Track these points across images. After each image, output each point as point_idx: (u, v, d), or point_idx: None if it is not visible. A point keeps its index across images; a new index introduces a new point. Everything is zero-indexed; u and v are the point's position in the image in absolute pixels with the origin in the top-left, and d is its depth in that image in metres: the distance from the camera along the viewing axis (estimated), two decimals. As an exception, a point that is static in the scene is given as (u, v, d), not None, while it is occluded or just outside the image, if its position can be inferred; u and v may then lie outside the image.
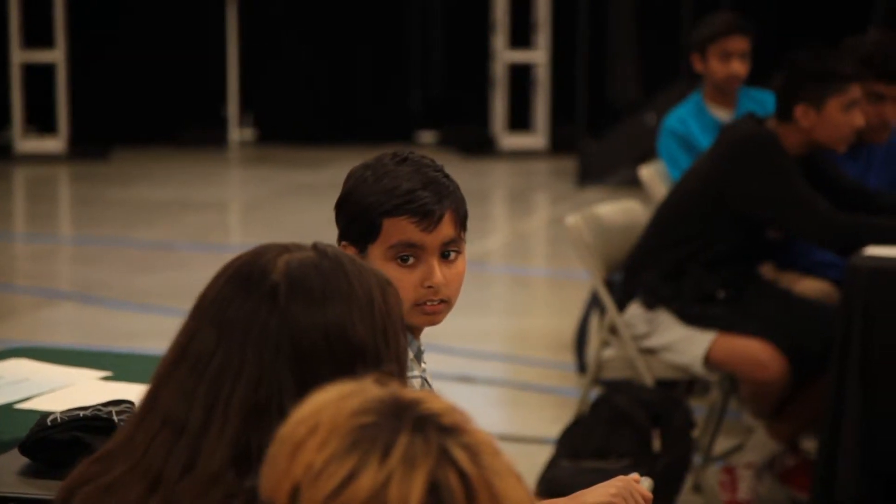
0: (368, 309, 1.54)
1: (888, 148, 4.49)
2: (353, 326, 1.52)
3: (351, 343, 1.52)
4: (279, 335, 1.52)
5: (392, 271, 2.16)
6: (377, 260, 2.18)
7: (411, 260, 2.19)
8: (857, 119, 4.02)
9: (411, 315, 2.19)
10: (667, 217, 4.23)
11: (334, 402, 1.13)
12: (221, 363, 1.52)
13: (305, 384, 1.48)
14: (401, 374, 1.56)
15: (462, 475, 1.09)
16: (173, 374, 1.55)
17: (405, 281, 2.17)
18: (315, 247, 1.59)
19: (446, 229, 2.19)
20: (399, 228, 2.17)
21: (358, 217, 2.19)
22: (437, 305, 2.20)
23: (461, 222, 2.22)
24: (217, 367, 1.53)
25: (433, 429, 1.11)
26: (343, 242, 2.21)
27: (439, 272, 2.18)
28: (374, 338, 1.53)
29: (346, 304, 1.53)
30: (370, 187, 2.19)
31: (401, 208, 2.17)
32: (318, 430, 1.11)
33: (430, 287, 2.18)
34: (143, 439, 1.54)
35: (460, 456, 1.10)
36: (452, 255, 2.21)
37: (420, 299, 2.19)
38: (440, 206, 2.18)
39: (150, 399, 1.57)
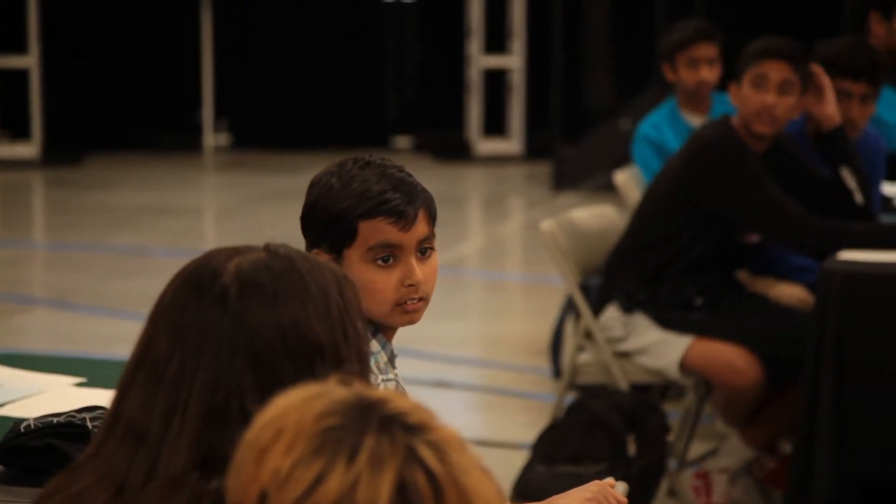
0: (324, 305, 1.53)
1: (856, 147, 4.51)
2: (310, 324, 1.52)
3: (308, 340, 1.51)
4: (233, 337, 1.52)
5: (371, 273, 2.18)
6: (355, 264, 2.19)
7: (391, 260, 2.21)
8: (769, 97, 4.04)
9: (392, 315, 2.22)
10: (640, 221, 4.25)
11: (299, 405, 1.13)
12: (177, 369, 1.53)
13: (266, 384, 1.48)
14: (362, 368, 1.55)
15: (429, 474, 1.09)
16: (134, 382, 1.56)
17: (386, 282, 2.20)
18: (267, 247, 1.59)
19: (421, 227, 2.21)
20: (376, 230, 2.19)
21: (332, 223, 2.19)
22: (416, 303, 2.22)
23: (433, 219, 2.25)
24: (173, 373, 1.53)
25: (399, 428, 1.11)
26: (315, 251, 2.21)
27: (419, 270, 2.21)
28: (332, 334, 1.52)
29: (300, 301, 1.52)
30: (339, 193, 2.19)
31: (377, 210, 2.18)
32: (283, 434, 1.11)
33: (411, 285, 2.21)
34: (110, 448, 1.55)
35: (427, 455, 1.10)
36: (428, 251, 2.24)
37: (401, 299, 2.21)
38: (414, 204, 2.21)
39: (114, 408, 1.58)
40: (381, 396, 1.14)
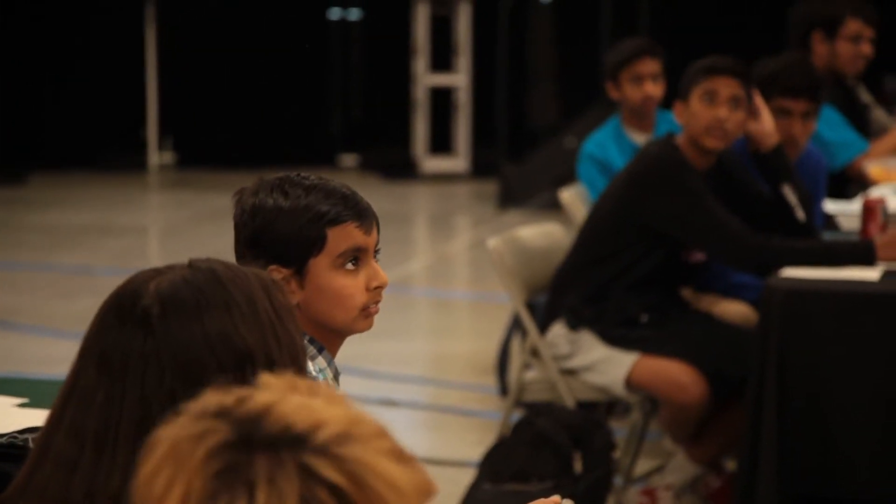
0: (251, 311, 1.54)
1: (798, 164, 4.56)
2: (237, 332, 1.52)
3: (237, 348, 1.52)
4: (160, 356, 1.52)
5: (341, 279, 2.19)
6: (323, 272, 2.19)
7: (357, 264, 2.21)
8: (721, 111, 4.08)
9: (357, 321, 2.22)
10: (586, 239, 4.27)
11: (181, 448, 1.09)
12: (105, 396, 1.53)
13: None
14: (297, 371, 1.55)
15: (331, 488, 1.06)
16: (63, 415, 1.56)
17: (355, 286, 2.20)
18: (190, 263, 1.59)
19: (374, 230, 2.24)
20: (345, 234, 2.20)
21: (295, 237, 2.18)
22: (377, 307, 2.24)
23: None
24: (102, 400, 1.53)
25: (286, 447, 1.07)
26: (272, 267, 2.18)
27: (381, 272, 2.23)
28: (262, 339, 1.53)
29: (225, 311, 1.53)
30: (296, 207, 2.18)
31: (344, 214, 2.19)
32: (174, 484, 1.07)
33: (377, 288, 2.22)
34: (41, 479, 1.55)
35: (322, 466, 1.06)
36: (377, 255, 2.25)
37: (367, 303, 2.22)
38: (370, 208, 2.24)
39: (43, 440, 1.58)
40: (260, 409, 1.09)
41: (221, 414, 1.10)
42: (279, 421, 1.08)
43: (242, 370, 1.50)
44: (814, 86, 4.40)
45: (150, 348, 1.53)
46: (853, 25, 5.42)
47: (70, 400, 1.56)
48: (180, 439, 1.09)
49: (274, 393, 1.11)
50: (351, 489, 1.06)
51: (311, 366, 2.18)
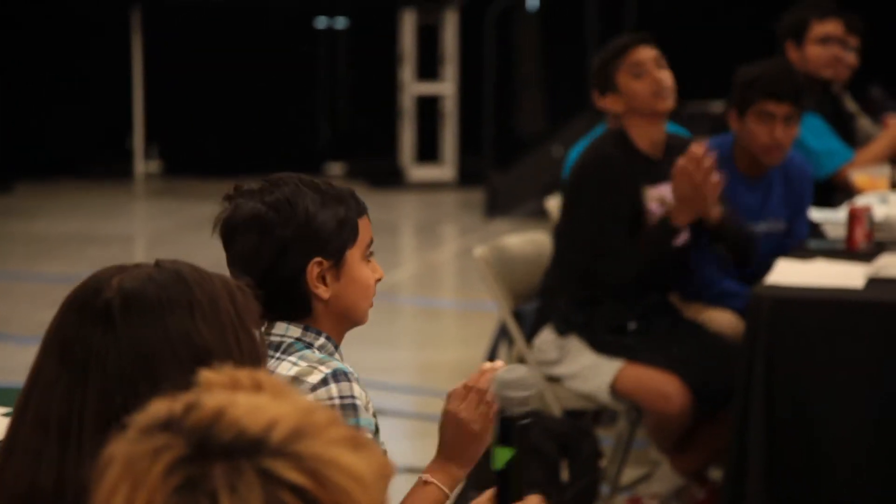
0: (213, 312, 1.57)
1: (783, 172, 4.57)
2: (198, 331, 1.55)
3: (197, 347, 1.55)
4: (119, 349, 1.55)
5: (366, 271, 2.28)
6: (357, 263, 2.26)
7: (370, 257, 2.30)
8: (650, 84, 4.10)
9: (367, 313, 2.30)
10: (562, 242, 4.28)
11: (137, 466, 1.07)
12: (67, 385, 1.56)
13: (160, 389, 1.50)
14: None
15: (293, 489, 1.05)
16: (27, 406, 1.59)
17: (373, 278, 2.29)
18: (157, 263, 1.64)
19: None
20: (366, 226, 2.29)
21: (339, 228, 2.24)
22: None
23: None
24: (64, 389, 1.56)
25: (242, 453, 1.06)
26: (316, 260, 2.22)
27: None
28: (222, 339, 1.56)
29: (187, 310, 1.56)
30: (328, 205, 2.24)
31: (363, 206, 2.30)
32: (134, 503, 1.06)
33: (378, 280, 2.30)
34: (9, 474, 1.57)
35: (282, 468, 1.05)
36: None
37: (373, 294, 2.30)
38: None
39: (10, 435, 1.60)
40: (211, 414, 1.08)
41: (172, 425, 1.08)
42: (231, 427, 1.07)
43: (202, 368, 1.53)
44: (796, 90, 4.42)
45: (110, 340, 1.55)
46: (818, 28, 5.48)
47: (33, 391, 1.58)
48: (135, 456, 1.08)
49: (221, 395, 1.10)
50: (313, 487, 1.05)
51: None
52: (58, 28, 12.40)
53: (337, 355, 2.25)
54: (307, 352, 2.21)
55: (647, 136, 4.14)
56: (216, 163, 12.48)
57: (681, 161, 3.94)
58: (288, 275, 2.20)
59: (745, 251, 4.20)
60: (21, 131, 12.18)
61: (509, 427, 1.82)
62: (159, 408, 1.10)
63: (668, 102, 4.11)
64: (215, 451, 1.06)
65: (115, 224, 10.70)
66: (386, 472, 1.09)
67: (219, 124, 12.57)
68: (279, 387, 1.12)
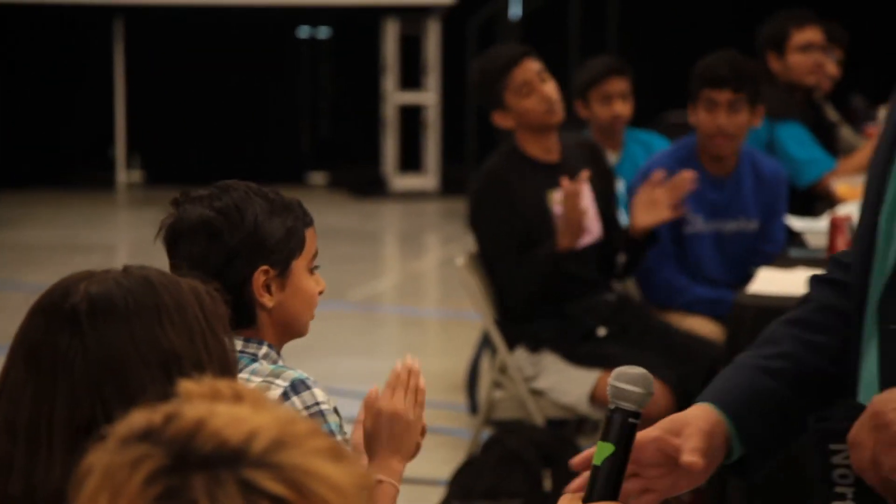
0: (181, 316, 1.57)
1: (754, 172, 4.60)
2: (165, 335, 1.56)
3: (165, 351, 1.55)
4: (87, 353, 1.55)
5: (310, 282, 2.26)
6: (302, 273, 2.25)
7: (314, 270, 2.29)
8: (539, 102, 4.16)
9: (308, 324, 2.28)
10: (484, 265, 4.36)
11: (117, 477, 1.06)
12: (35, 390, 1.56)
13: (128, 394, 1.52)
14: (228, 378, 1.57)
15: (274, 499, 1.04)
16: None
17: (316, 290, 2.28)
18: (124, 268, 1.64)
19: None
20: (312, 238, 2.28)
21: (286, 237, 2.23)
22: None
23: None
24: (31, 394, 1.56)
25: (223, 464, 1.05)
26: (263, 268, 2.21)
27: None
28: (191, 344, 1.56)
29: (154, 314, 1.57)
30: (281, 208, 2.23)
31: (309, 218, 2.28)
32: None
33: (321, 293, 2.29)
34: None
35: (262, 479, 1.05)
36: None
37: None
38: None
39: None
40: (191, 425, 1.07)
41: (152, 435, 1.08)
42: (212, 437, 1.07)
43: (168, 373, 1.54)
44: (738, 76, 4.43)
45: (77, 345, 1.55)
46: (798, 36, 5.51)
47: (0, 398, 1.58)
48: (114, 467, 1.07)
49: (201, 406, 1.09)
50: (294, 497, 1.05)
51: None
52: (40, 38, 12.37)
53: (280, 361, 2.25)
54: (256, 365, 2.20)
55: (540, 146, 4.20)
56: (198, 172, 12.42)
57: (557, 196, 4.03)
58: (234, 282, 2.17)
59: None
60: (3, 141, 12.14)
61: (616, 422, 1.75)
62: (139, 418, 1.09)
63: (559, 115, 4.19)
64: (195, 461, 1.05)
65: (98, 233, 10.68)
66: (366, 483, 1.08)
67: (201, 134, 12.55)
68: (259, 397, 1.12)
